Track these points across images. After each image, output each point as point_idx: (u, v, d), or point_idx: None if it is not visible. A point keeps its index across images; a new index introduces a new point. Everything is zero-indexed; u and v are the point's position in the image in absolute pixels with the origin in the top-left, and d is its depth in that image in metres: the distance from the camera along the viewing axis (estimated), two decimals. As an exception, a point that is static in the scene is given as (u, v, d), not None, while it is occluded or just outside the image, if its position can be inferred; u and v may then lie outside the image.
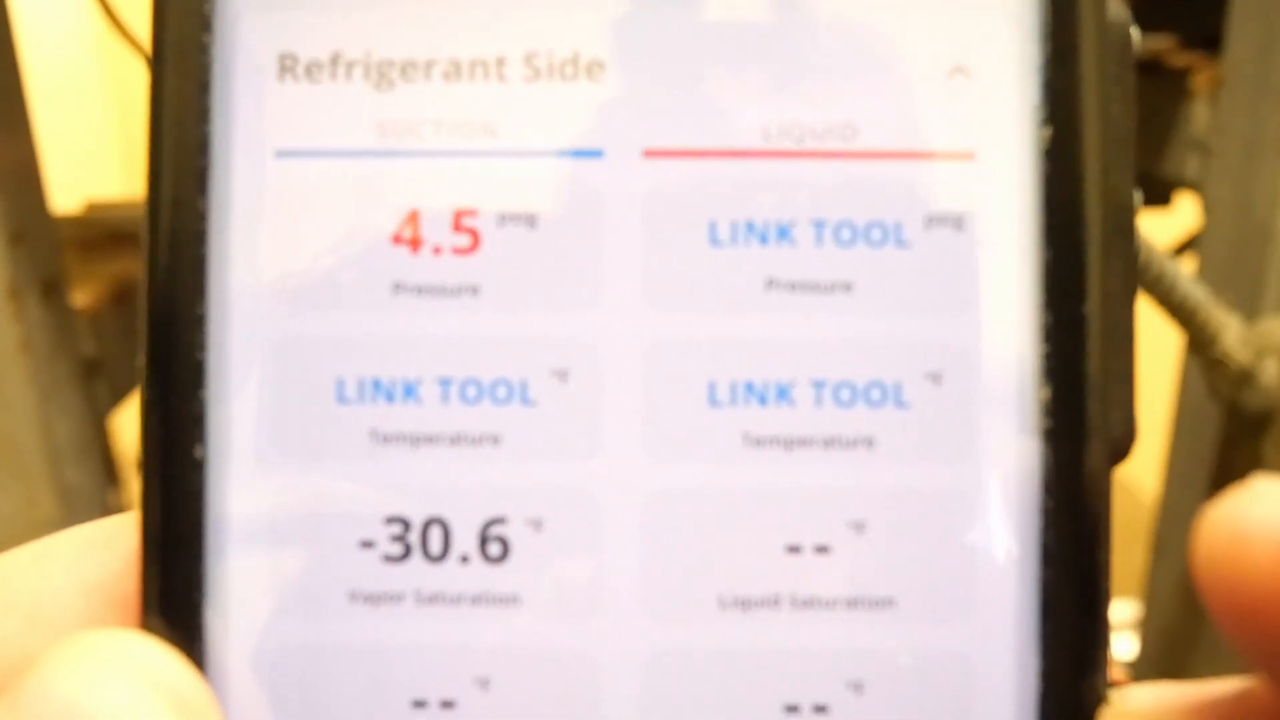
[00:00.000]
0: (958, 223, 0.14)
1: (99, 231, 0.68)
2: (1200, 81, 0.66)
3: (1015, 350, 0.13)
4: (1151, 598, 0.72)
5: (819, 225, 0.14)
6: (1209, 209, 0.65)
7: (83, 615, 0.13)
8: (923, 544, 0.14)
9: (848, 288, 0.14)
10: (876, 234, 0.14)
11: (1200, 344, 0.59)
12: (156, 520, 0.14)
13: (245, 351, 0.14)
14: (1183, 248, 0.76)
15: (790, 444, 0.14)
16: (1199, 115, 0.66)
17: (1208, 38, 0.65)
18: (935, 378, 0.14)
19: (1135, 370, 0.13)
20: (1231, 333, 0.59)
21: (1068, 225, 0.13)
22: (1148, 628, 0.72)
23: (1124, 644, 0.75)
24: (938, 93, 0.14)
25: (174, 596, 0.13)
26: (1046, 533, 0.13)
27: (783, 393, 0.14)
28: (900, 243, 0.14)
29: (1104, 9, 0.13)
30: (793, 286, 0.14)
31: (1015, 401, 0.13)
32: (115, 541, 0.14)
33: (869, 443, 0.14)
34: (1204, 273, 0.66)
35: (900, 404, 0.14)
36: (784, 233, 0.14)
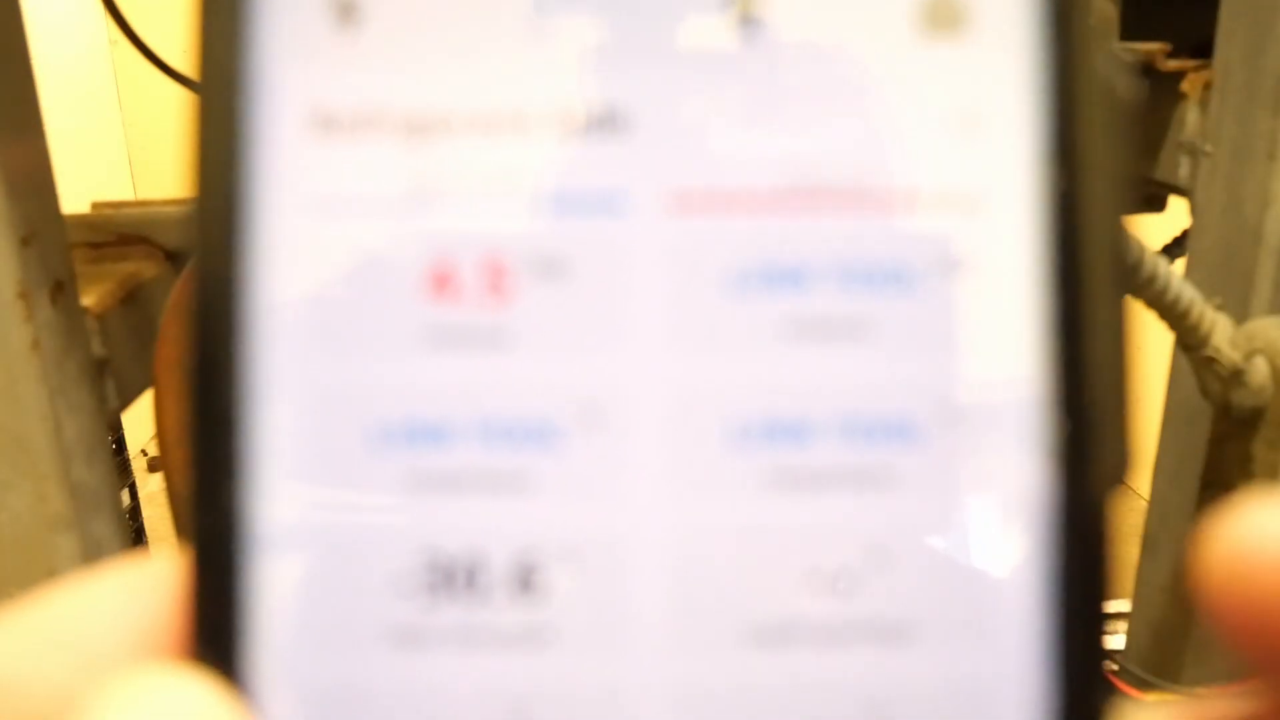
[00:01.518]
0: (966, 268, 0.14)
1: (107, 233, 0.69)
2: (1191, 85, 0.67)
3: (1020, 388, 0.14)
4: (1140, 593, 0.73)
5: (834, 271, 0.14)
6: (1199, 211, 0.66)
7: (129, 656, 0.14)
8: (939, 575, 0.14)
9: (862, 331, 0.14)
10: (890, 278, 0.14)
11: (1191, 344, 0.60)
12: (201, 563, 0.14)
13: (284, 400, 0.14)
14: (1173, 249, 0.77)
15: (811, 482, 0.14)
16: (1190, 119, 0.67)
17: (1198, 44, 0.66)
18: (946, 415, 0.14)
19: (1131, 403, 0.14)
20: (1221, 333, 0.60)
21: (1070, 269, 0.14)
22: (1136, 622, 0.73)
23: (1115, 639, 0.76)
24: (947, 143, 0.14)
25: (218, 636, 0.14)
26: (1053, 557, 0.14)
27: (803, 433, 0.14)
28: (912, 287, 0.14)
29: (1103, 63, 0.14)
30: (810, 331, 0.14)
31: (1021, 437, 0.14)
32: (161, 582, 0.14)
33: (886, 479, 0.14)
34: (1194, 274, 0.66)
35: (914, 441, 0.14)
36: (802, 279, 0.14)
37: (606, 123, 0.15)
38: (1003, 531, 0.14)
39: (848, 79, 0.15)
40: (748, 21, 0.15)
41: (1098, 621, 0.14)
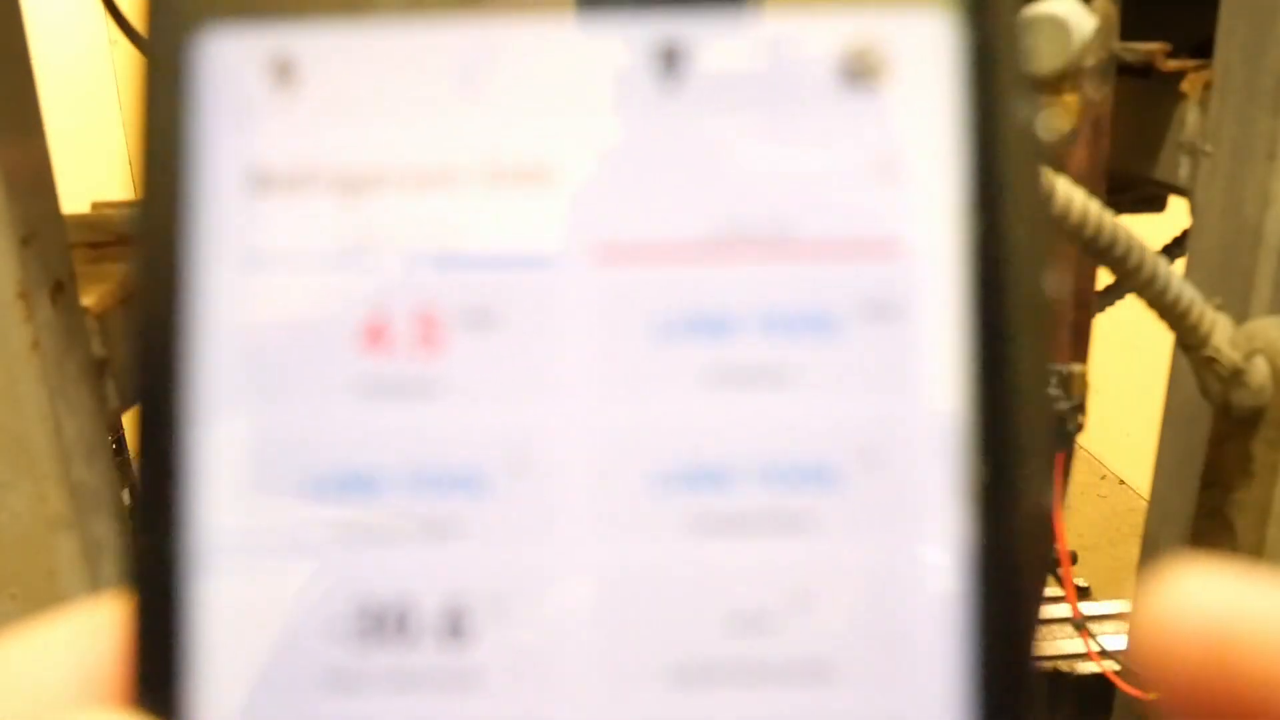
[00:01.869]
0: (889, 313, 0.15)
1: (107, 233, 0.69)
2: (1191, 85, 0.67)
3: (942, 431, 0.14)
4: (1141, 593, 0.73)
5: (758, 319, 0.15)
6: (1199, 211, 0.66)
7: (75, 701, 0.14)
8: (862, 617, 0.15)
9: (786, 376, 0.15)
10: (813, 325, 0.15)
11: (1191, 344, 0.60)
12: (141, 610, 0.15)
13: (221, 450, 0.15)
14: (1173, 249, 0.77)
15: (736, 526, 0.15)
16: (1190, 119, 0.67)
17: (1198, 44, 0.66)
18: (868, 460, 0.15)
19: (1049, 446, 0.14)
20: (1221, 333, 0.60)
21: (991, 314, 0.14)
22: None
23: (1116, 639, 0.76)
24: (870, 190, 0.15)
25: (159, 681, 0.14)
26: (974, 598, 0.14)
27: (728, 478, 0.15)
28: (835, 333, 0.15)
29: (1022, 109, 0.14)
30: (734, 378, 0.15)
31: (943, 479, 0.14)
32: (110, 628, 0.14)
33: (809, 523, 0.15)
34: (1194, 274, 0.67)
35: (836, 485, 0.15)
36: (727, 327, 0.15)
37: (533, 177, 0.15)
38: (924, 574, 0.14)
39: (770, 129, 0.15)
40: (670, 75, 0.15)
41: (1022, 662, 0.14)
